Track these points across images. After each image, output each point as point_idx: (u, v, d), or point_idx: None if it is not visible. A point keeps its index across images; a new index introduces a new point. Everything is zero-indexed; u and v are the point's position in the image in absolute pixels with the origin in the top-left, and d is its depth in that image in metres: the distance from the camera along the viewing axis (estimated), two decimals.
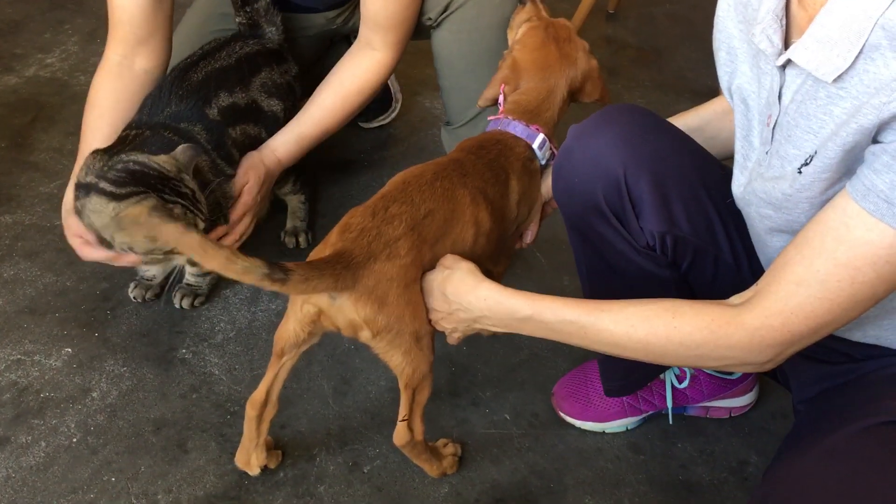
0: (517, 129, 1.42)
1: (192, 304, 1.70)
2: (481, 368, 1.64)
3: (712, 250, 1.23)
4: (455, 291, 1.18)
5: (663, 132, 1.22)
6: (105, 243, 1.41)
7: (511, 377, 1.62)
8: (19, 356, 1.59)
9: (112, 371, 1.58)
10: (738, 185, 1.13)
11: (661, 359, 1.05)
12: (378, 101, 2.25)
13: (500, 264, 1.52)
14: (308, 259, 1.21)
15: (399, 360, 1.21)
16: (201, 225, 1.43)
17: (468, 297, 1.17)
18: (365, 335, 1.18)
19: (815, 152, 0.94)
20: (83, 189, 1.39)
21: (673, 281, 1.27)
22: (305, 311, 1.20)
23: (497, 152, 1.38)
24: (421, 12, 1.67)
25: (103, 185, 1.35)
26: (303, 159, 1.76)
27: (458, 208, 1.27)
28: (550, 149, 1.44)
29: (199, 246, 1.02)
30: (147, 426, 1.49)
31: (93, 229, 1.39)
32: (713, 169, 1.25)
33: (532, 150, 1.41)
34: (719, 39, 1.14)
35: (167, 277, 1.74)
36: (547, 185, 1.45)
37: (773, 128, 1.02)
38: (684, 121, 1.33)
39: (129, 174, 1.36)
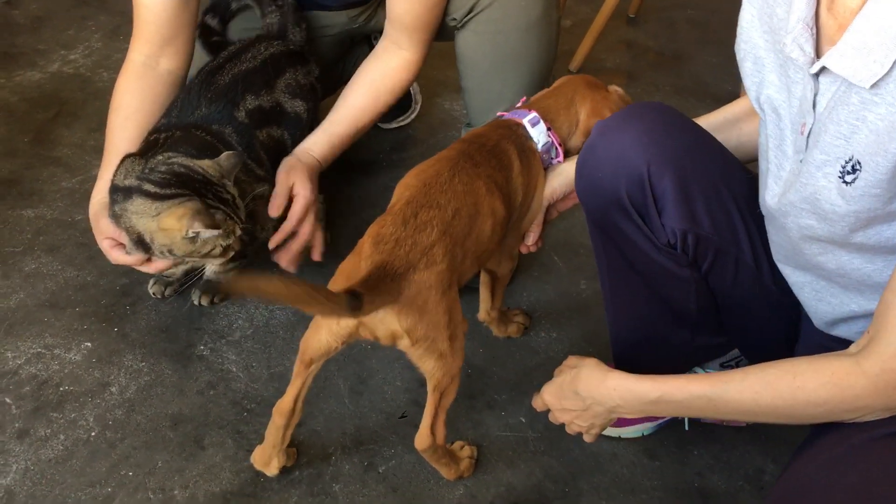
0: (514, 114, 1.45)
1: (210, 302, 1.71)
2: (497, 371, 1.64)
3: (733, 251, 1.23)
4: (586, 388, 1.21)
5: (688, 130, 1.22)
6: (143, 246, 1.41)
7: (527, 380, 1.62)
8: (39, 349, 1.61)
9: (131, 366, 1.59)
10: (773, 196, 1.11)
11: (792, 419, 1.06)
12: (397, 102, 2.26)
13: (502, 266, 1.53)
14: (340, 269, 1.23)
15: (432, 365, 1.22)
16: (238, 231, 1.43)
17: (600, 390, 1.19)
18: (404, 343, 1.20)
19: (859, 163, 0.94)
20: (122, 192, 1.39)
21: (693, 281, 1.27)
22: (344, 323, 1.20)
23: (498, 137, 1.39)
24: (445, 12, 1.67)
25: (147, 186, 1.36)
26: None
27: (478, 201, 1.29)
28: (549, 136, 1.43)
29: (306, 296, 1.05)
30: (164, 421, 1.50)
31: (134, 232, 1.40)
32: (736, 170, 1.25)
33: (524, 128, 1.42)
34: (744, 50, 1.13)
35: (186, 274, 1.75)
36: (552, 187, 1.45)
37: (808, 136, 1.02)
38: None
39: (174, 176, 1.37)
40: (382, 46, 1.68)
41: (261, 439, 1.40)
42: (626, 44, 2.76)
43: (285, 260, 1.57)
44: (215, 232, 1.37)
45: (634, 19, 2.88)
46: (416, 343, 1.20)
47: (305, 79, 1.74)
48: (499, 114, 1.50)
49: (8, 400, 1.51)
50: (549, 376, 1.62)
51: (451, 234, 1.22)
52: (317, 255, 1.62)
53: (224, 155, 1.43)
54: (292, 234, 1.56)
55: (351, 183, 2.07)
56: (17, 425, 1.47)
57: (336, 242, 1.89)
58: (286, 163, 1.58)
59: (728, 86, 2.54)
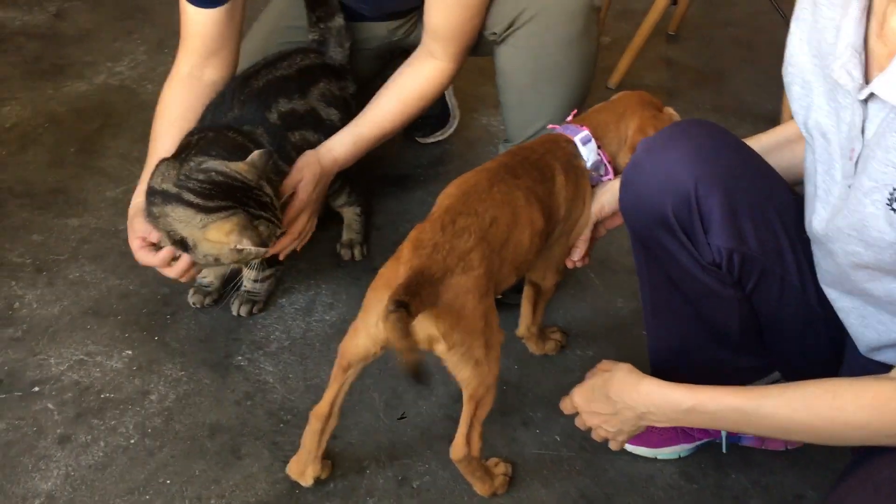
0: (565, 129, 1.45)
1: (249, 312, 1.73)
2: (532, 388, 1.63)
3: (779, 271, 1.22)
4: (618, 391, 1.21)
5: (735, 149, 1.22)
6: (184, 247, 1.43)
7: (562, 398, 1.61)
8: (82, 356, 1.64)
9: (170, 375, 1.61)
10: (821, 221, 1.10)
11: (829, 440, 1.05)
12: (436, 116, 2.27)
13: (547, 279, 1.53)
14: (379, 274, 1.25)
15: (468, 373, 1.23)
16: (279, 233, 1.46)
17: (632, 394, 1.19)
18: (440, 348, 1.21)
19: None
20: (160, 196, 1.42)
21: (737, 301, 1.26)
22: (382, 327, 1.21)
23: (543, 151, 1.41)
24: (485, 27, 1.68)
25: (188, 196, 1.38)
26: (357, 172, 1.78)
27: (516, 211, 1.30)
28: (599, 154, 1.43)
29: (409, 343, 1.13)
30: (202, 431, 1.51)
31: (177, 235, 1.42)
32: (783, 191, 1.24)
33: (575, 146, 1.42)
34: (792, 73, 1.12)
35: (225, 284, 1.77)
36: (600, 204, 1.45)
37: (857, 162, 1.01)
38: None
39: (215, 185, 1.39)
40: (417, 55, 1.70)
41: (296, 451, 1.40)
42: (666, 61, 2.75)
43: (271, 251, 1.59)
44: (263, 250, 1.39)
45: (675, 37, 2.87)
46: (452, 348, 1.21)
47: (340, 92, 1.76)
48: (550, 126, 1.51)
49: (50, 406, 1.54)
50: None
51: (489, 241, 1.24)
52: (297, 248, 1.64)
53: (255, 154, 1.44)
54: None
55: (388, 196, 2.09)
56: (58, 431, 1.50)
57: (372, 255, 1.91)
58: (304, 158, 1.60)
59: (769, 105, 2.52)
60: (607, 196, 1.43)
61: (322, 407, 1.34)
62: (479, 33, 1.68)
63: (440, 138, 2.29)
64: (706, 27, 2.95)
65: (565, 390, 1.62)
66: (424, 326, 1.20)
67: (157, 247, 1.52)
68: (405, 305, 1.11)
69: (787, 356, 1.37)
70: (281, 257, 1.63)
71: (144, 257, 1.54)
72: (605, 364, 1.29)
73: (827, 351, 1.29)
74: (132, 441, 1.49)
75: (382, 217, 2.02)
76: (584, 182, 1.44)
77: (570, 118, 1.51)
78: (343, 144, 1.65)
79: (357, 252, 1.90)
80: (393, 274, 1.21)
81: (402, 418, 1.55)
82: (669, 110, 1.53)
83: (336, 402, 1.34)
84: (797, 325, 1.28)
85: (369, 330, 1.23)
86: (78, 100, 2.36)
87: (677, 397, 1.14)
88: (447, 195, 1.33)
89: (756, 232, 1.19)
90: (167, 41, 2.61)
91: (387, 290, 1.16)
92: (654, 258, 1.30)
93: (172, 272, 1.54)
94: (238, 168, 1.42)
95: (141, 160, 1.64)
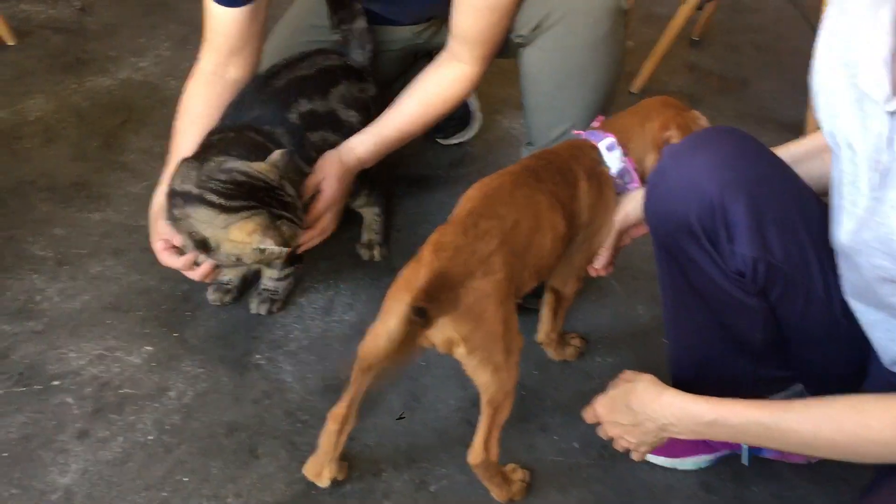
0: (590, 135, 1.44)
1: (268, 311, 1.73)
2: (552, 394, 1.62)
3: (804, 282, 1.20)
4: (640, 402, 1.21)
5: (762, 156, 1.20)
6: (206, 248, 1.44)
7: (581, 405, 1.58)
8: (102, 351, 1.64)
9: (189, 372, 1.61)
10: (846, 233, 1.09)
11: (853, 456, 1.04)
12: (458, 118, 2.26)
13: (568, 286, 1.52)
14: (401, 276, 1.24)
15: (487, 377, 1.23)
16: (300, 233, 1.46)
17: (653, 406, 1.19)
18: (460, 352, 1.20)
19: None
20: (182, 197, 1.42)
21: (760, 310, 1.25)
22: (399, 331, 1.21)
23: (567, 156, 1.40)
24: (511, 29, 1.67)
25: (210, 196, 1.38)
26: (377, 173, 1.77)
27: (538, 215, 1.30)
28: (623, 161, 1.42)
29: (401, 343, 1.18)
30: (220, 429, 1.51)
31: (199, 236, 1.42)
32: (810, 200, 1.22)
33: (599, 152, 1.42)
34: (818, 82, 1.11)
35: (244, 282, 1.77)
36: (625, 212, 1.44)
37: (884, 174, 0.99)
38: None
39: (237, 185, 1.39)
40: (442, 57, 1.69)
41: (314, 451, 1.40)
42: (689, 67, 2.73)
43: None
44: (285, 250, 1.39)
45: (698, 42, 2.85)
46: (472, 352, 1.20)
47: (360, 94, 1.76)
48: (574, 132, 1.50)
49: (70, 400, 1.54)
50: None
51: (510, 244, 1.24)
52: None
53: (276, 154, 1.45)
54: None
55: (408, 197, 2.08)
56: (77, 426, 1.50)
57: (392, 256, 1.90)
58: (326, 157, 1.61)
59: (792, 112, 2.50)
60: (632, 205, 1.42)
61: (340, 409, 1.33)
62: (505, 36, 1.67)
63: (461, 140, 2.29)
64: (731, 33, 2.93)
65: (585, 397, 1.61)
66: (444, 329, 1.19)
67: (180, 250, 1.52)
68: (425, 312, 1.10)
69: (811, 368, 1.35)
70: (300, 250, 1.62)
71: (167, 259, 1.55)
72: (627, 374, 1.28)
73: (851, 364, 1.28)
74: (150, 437, 1.49)
75: (402, 218, 2.01)
76: (607, 189, 1.43)
77: (595, 124, 1.50)
78: (364, 144, 1.65)
79: (377, 253, 1.89)
80: (413, 276, 1.20)
81: (400, 418, 1.54)
82: (696, 113, 1.52)
83: (354, 404, 1.33)
84: (821, 336, 1.27)
85: (390, 332, 1.23)
86: (101, 94, 2.37)
87: (699, 410, 1.14)
88: (469, 197, 1.32)
89: (782, 241, 1.18)
90: (191, 37, 2.62)
91: (407, 292, 1.16)
92: (677, 265, 1.29)
93: (196, 275, 1.55)
94: (260, 168, 1.42)
95: (163, 156, 1.65)
